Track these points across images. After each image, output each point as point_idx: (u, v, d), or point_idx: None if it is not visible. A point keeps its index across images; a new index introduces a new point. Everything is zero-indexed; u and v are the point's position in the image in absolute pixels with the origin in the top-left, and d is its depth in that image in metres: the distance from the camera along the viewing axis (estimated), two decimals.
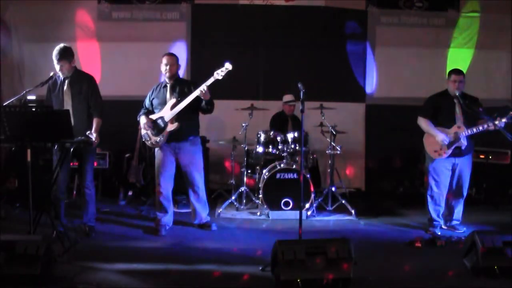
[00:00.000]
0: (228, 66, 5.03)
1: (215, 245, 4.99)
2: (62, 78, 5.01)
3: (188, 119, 5.27)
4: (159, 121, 5.24)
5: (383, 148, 7.89)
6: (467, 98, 5.31)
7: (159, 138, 5.25)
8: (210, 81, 5.04)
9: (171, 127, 5.19)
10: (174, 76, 5.34)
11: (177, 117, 5.19)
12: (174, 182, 5.48)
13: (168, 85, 5.33)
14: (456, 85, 5.30)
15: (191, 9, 7.77)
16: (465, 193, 5.48)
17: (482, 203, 7.00)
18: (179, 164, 5.38)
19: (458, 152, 5.31)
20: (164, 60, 5.30)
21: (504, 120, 5.01)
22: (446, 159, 5.33)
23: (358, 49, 7.94)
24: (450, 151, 5.28)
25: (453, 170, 5.41)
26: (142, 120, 5.30)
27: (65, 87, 5.00)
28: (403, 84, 7.90)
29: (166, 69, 5.28)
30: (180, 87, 5.31)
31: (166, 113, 5.21)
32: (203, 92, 5.01)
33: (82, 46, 7.59)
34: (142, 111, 5.45)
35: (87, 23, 7.69)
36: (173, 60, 5.33)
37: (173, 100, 5.22)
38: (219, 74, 5.03)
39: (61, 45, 4.98)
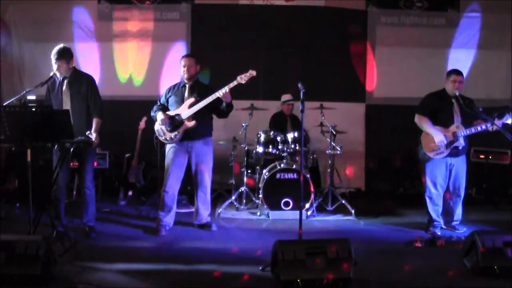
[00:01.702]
0: (252, 72, 5.09)
1: (215, 245, 4.99)
2: (61, 78, 5.01)
3: (203, 119, 5.34)
4: (176, 118, 5.27)
5: (383, 148, 7.89)
6: (466, 99, 5.32)
7: (174, 134, 5.27)
8: (233, 84, 5.10)
9: (188, 124, 5.23)
10: (192, 77, 5.40)
11: (194, 116, 5.24)
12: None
13: (187, 85, 5.38)
14: (456, 85, 5.29)
15: (191, 9, 7.77)
16: (463, 193, 5.47)
17: (482, 203, 7.01)
18: (190, 163, 5.40)
19: (454, 152, 5.30)
20: (182, 62, 5.39)
21: (502, 121, 5.02)
22: (442, 159, 5.33)
23: (358, 49, 7.94)
24: (448, 151, 5.28)
25: (450, 171, 5.40)
26: (160, 115, 5.30)
27: (64, 87, 5.00)
28: (403, 84, 7.90)
29: (184, 70, 5.35)
30: (199, 88, 5.38)
31: (184, 111, 5.26)
32: (226, 93, 5.08)
33: (82, 46, 7.60)
34: (156, 107, 5.46)
35: (87, 23, 7.69)
36: (191, 61, 5.40)
37: (192, 99, 5.26)
38: (242, 78, 5.08)
39: (60, 45, 4.99)
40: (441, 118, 5.35)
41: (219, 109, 5.33)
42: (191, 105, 5.24)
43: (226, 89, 5.09)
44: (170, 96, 5.44)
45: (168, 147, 5.43)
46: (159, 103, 5.51)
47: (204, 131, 5.40)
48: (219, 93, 5.11)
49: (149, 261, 4.40)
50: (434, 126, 5.32)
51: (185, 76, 5.37)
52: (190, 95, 5.34)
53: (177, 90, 5.45)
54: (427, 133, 5.36)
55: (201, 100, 5.21)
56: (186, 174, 5.51)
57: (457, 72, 5.37)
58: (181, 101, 5.35)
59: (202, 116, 5.29)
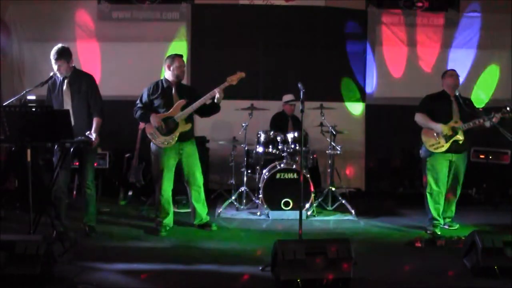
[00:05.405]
0: (241, 73, 5.16)
1: (215, 245, 4.99)
2: (61, 78, 5.01)
3: (191, 120, 5.36)
4: (170, 121, 5.24)
5: (383, 148, 7.90)
6: (465, 99, 5.37)
7: (170, 137, 5.24)
8: (224, 86, 5.15)
9: (184, 127, 5.23)
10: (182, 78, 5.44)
11: (186, 118, 5.25)
12: (174, 183, 5.47)
13: (173, 87, 5.34)
14: (455, 79, 5.38)
15: (191, 9, 7.78)
16: (459, 190, 5.49)
17: (482, 203, 7.01)
18: (181, 164, 5.39)
19: (455, 148, 5.32)
20: (177, 62, 5.32)
21: (499, 115, 5.06)
22: (443, 155, 5.34)
23: (358, 49, 7.94)
24: (448, 145, 5.29)
25: (450, 167, 5.41)
26: (153, 118, 5.23)
27: (64, 87, 5.00)
28: (403, 84, 7.91)
29: (181, 71, 5.34)
30: (186, 90, 5.41)
31: (176, 113, 5.23)
32: (222, 89, 5.13)
33: (82, 46, 7.60)
34: (141, 110, 5.33)
35: (87, 23, 7.69)
36: (184, 62, 5.44)
37: (183, 101, 5.24)
38: (233, 80, 5.16)
39: (59, 45, 4.99)
40: (440, 117, 5.39)
41: (205, 108, 5.30)
42: (183, 107, 5.22)
43: (222, 87, 5.12)
44: (155, 98, 5.32)
45: (158, 149, 5.30)
46: (141, 104, 5.36)
47: (192, 132, 5.43)
48: (221, 86, 5.13)
49: (149, 261, 4.39)
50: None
51: (181, 76, 5.35)
52: (179, 96, 5.30)
53: (161, 91, 5.32)
54: (427, 130, 5.40)
55: (191, 101, 5.20)
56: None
57: (452, 69, 5.55)
58: (169, 103, 5.27)
59: (190, 118, 5.33)
